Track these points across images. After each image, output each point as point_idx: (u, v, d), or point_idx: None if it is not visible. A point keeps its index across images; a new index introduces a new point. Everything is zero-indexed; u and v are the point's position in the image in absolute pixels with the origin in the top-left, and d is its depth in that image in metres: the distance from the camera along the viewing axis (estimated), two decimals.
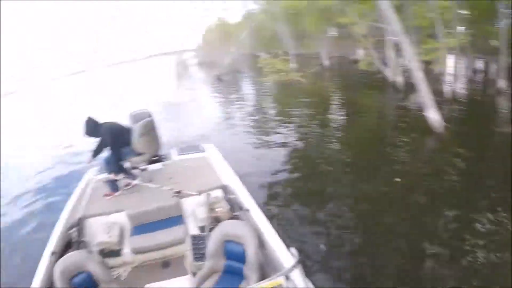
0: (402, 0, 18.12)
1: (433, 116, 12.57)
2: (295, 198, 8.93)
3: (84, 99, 48.05)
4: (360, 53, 27.89)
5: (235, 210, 5.87)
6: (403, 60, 17.02)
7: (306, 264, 5.74)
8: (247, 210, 5.14)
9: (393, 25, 13.13)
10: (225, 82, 34.67)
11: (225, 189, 6.25)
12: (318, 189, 9.10)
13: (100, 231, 5.81)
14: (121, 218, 6.15)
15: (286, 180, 9.94)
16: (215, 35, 48.86)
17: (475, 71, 35.15)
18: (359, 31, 19.95)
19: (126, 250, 5.75)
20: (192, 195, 6.07)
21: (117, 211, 6.25)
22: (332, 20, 28.09)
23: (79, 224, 5.98)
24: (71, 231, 5.70)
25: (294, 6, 30.12)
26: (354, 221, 7.57)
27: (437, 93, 19.22)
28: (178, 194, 6.17)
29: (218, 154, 7.81)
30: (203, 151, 8.32)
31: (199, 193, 6.05)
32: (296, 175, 10.31)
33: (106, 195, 6.82)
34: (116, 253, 5.68)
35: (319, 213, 7.94)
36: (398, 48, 21.92)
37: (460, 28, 28.01)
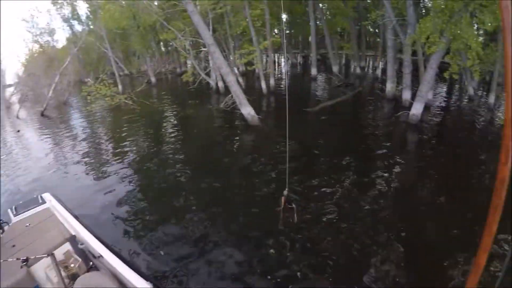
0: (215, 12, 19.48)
1: (248, 111, 14.05)
2: None
3: None
4: (187, 66, 29.06)
5: (90, 259, 5.51)
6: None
7: None
8: (100, 256, 4.76)
9: (204, 37, 13.90)
10: (51, 118, 32.08)
11: (73, 240, 5.67)
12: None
13: None
14: None
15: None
16: (38, 64, 44.55)
17: (295, 65, 39.73)
18: (181, 45, 20.68)
19: None
20: (42, 258, 5.17)
21: None
22: (157, 38, 28.67)
23: None
24: None
25: (119, 26, 29.66)
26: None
27: (256, 90, 21.54)
28: (26, 262, 5.00)
29: (59, 203, 7.06)
30: (43, 202, 7.37)
31: (48, 253, 5.11)
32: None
33: None
34: None
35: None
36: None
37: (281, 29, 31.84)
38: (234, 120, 15.22)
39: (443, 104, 20.57)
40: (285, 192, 5.23)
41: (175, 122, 16.37)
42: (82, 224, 5.78)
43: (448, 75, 14.01)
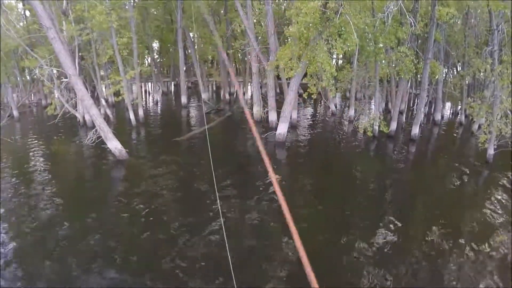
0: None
1: (115, 146, 13.41)
2: None
3: None
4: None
5: None
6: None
7: None
8: None
9: (65, 66, 12.92)
10: None
11: None
12: None
13: None
14: None
15: None
16: None
17: (166, 93, 39.38)
18: (44, 74, 18.98)
19: None
20: None
21: None
22: (20, 65, 25.84)
23: None
24: None
25: None
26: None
27: (125, 122, 20.89)
28: None
29: None
30: None
31: None
32: None
33: None
34: None
35: None
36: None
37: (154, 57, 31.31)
38: (101, 156, 14.21)
39: (309, 121, 22.38)
40: None
41: (40, 160, 14.79)
42: None
43: (307, 95, 15.22)
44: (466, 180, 12.53)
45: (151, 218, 9.01)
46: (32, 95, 32.89)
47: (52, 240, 8.00)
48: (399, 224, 8.72)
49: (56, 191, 11.06)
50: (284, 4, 19.17)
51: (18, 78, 29.64)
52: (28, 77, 32.07)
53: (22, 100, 30.35)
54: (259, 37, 20.12)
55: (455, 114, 26.44)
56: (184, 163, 13.67)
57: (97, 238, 8.04)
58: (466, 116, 22.33)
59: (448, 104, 27.76)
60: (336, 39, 12.59)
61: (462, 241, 8.05)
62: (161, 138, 18.50)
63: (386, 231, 8.38)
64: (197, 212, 9.31)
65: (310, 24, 12.20)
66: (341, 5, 11.60)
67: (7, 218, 9.27)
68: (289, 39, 14.68)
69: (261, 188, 10.90)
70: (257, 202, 9.92)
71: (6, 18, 18.61)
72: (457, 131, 21.20)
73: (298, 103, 21.45)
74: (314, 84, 15.29)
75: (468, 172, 13.27)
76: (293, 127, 19.00)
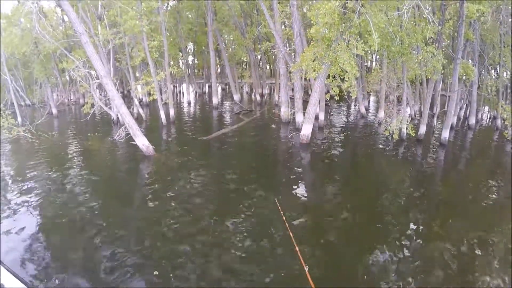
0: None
1: (142, 142, 14.07)
2: None
3: None
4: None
5: None
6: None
7: None
8: None
9: (97, 68, 13.60)
10: None
11: None
12: None
13: None
14: None
15: None
16: None
17: (200, 94, 40.16)
18: (80, 74, 19.79)
19: None
20: None
21: None
22: (59, 66, 27.18)
23: None
24: None
25: (19, 52, 27.53)
26: None
27: (158, 121, 21.47)
28: None
29: None
30: None
31: None
32: None
33: None
34: None
35: None
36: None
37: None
38: (130, 151, 15.01)
39: (338, 123, 22.15)
40: None
41: (75, 155, 15.54)
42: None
43: (329, 97, 15.09)
44: (494, 195, 11.18)
45: (164, 205, 9.53)
46: (71, 94, 34.48)
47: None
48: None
49: (83, 179, 12.11)
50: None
51: (58, 79, 31.06)
52: (67, 78, 33.65)
53: (61, 99, 31.79)
54: (291, 39, 20.16)
55: (492, 118, 25.44)
56: (208, 160, 14.22)
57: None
58: (503, 120, 21.26)
59: (486, 108, 26.73)
60: (357, 39, 12.45)
61: None
62: (188, 136, 19.01)
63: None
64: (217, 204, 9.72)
65: (330, 25, 12.12)
66: (361, 4, 11.48)
67: (43, 198, 10.35)
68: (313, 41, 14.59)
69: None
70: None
71: (42, 24, 19.53)
72: (492, 136, 20.35)
73: (327, 105, 21.32)
74: (338, 86, 15.12)
75: (497, 184, 12.11)
76: (320, 128, 19.10)
